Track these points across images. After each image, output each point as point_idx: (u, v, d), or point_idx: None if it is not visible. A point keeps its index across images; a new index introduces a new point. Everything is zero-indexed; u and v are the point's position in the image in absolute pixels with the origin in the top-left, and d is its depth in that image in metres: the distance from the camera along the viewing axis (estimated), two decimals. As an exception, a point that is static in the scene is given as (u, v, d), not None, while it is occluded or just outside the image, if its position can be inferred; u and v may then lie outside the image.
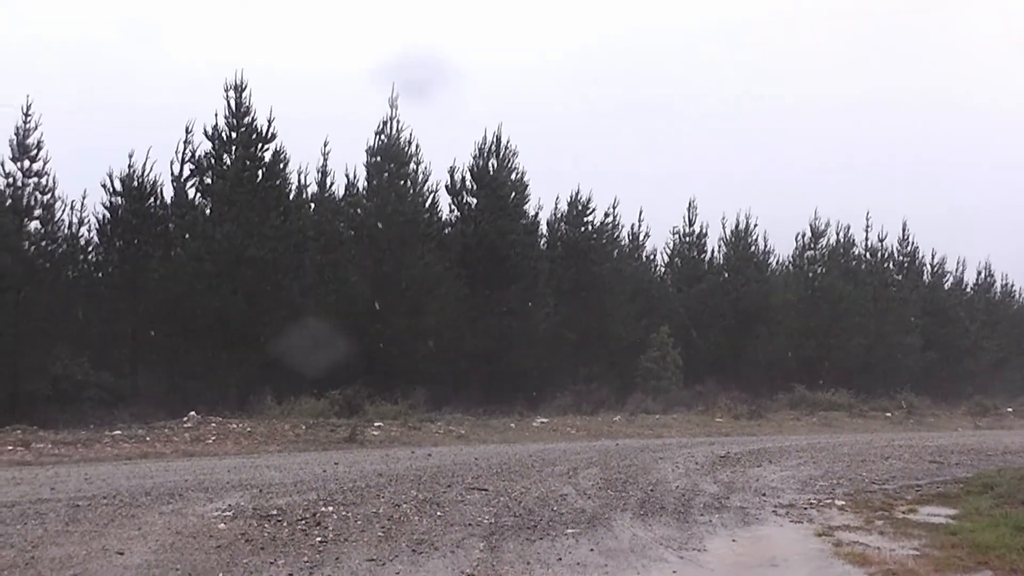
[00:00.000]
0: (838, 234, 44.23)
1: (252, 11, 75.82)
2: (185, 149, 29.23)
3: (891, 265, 46.18)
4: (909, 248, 46.67)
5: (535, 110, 70.46)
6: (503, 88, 71.87)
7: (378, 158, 31.99)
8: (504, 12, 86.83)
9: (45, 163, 26.83)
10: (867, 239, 45.29)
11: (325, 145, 32.39)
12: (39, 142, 26.69)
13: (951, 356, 43.99)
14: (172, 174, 29.15)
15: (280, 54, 71.52)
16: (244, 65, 57.82)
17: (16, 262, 25.77)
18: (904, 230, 46.49)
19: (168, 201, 29.35)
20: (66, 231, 28.11)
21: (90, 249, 29.19)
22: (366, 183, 32.34)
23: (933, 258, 48.17)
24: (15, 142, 26.48)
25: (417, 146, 32.46)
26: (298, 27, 75.83)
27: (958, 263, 49.42)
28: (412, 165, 32.43)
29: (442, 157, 32.59)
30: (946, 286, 49.01)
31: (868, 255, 45.43)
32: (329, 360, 26.35)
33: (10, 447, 17.47)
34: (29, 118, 26.63)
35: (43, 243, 27.47)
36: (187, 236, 28.76)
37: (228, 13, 74.91)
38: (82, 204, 28.49)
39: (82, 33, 62.76)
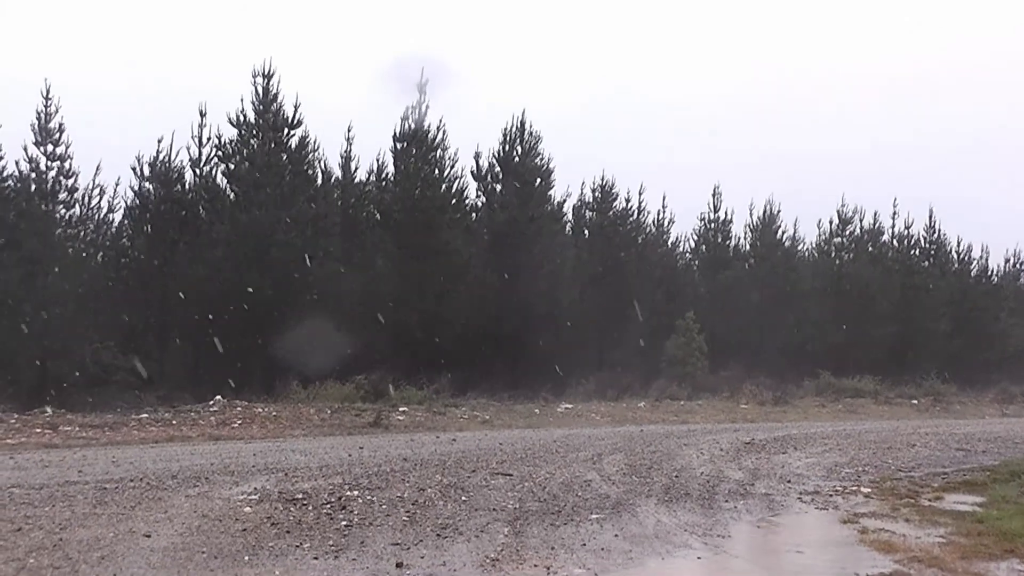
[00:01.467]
0: (862, 221, 44.05)
1: (256, 7, 75.88)
2: (202, 133, 29.40)
3: (918, 252, 45.89)
4: (936, 235, 46.36)
5: (549, 103, 70.48)
6: (515, 82, 71.93)
7: (404, 144, 32.05)
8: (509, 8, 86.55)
9: (67, 147, 26.90)
10: (894, 226, 45.09)
11: (349, 131, 32.49)
12: (60, 125, 26.75)
13: (978, 344, 43.68)
14: (191, 158, 29.32)
15: (281, 50, 71.51)
16: (245, 60, 58.33)
17: (45, 246, 25.92)
18: (931, 217, 46.20)
19: (193, 185, 29.50)
20: (94, 215, 28.19)
21: (120, 234, 29.34)
22: (392, 169, 32.42)
23: (959, 245, 47.90)
24: (37, 126, 26.54)
25: (444, 132, 32.59)
26: (301, 23, 75.74)
27: (983, 251, 49.11)
28: (439, 151, 32.51)
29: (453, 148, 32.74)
30: (972, 273, 48.67)
31: (895, 242, 45.19)
32: (354, 345, 26.43)
33: (38, 430, 17.59)
34: (49, 102, 26.68)
35: (72, 227, 27.58)
36: (214, 221, 28.85)
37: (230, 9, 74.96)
38: (116, 190, 28.73)
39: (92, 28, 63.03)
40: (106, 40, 66.23)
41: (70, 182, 27.02)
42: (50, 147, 26.64)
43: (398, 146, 32.17)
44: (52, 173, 26.69)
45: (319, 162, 31.17)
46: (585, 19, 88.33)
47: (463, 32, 77.23)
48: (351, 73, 72.68)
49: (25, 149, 26.37)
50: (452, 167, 33.05)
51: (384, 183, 32.60)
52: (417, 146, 32.01)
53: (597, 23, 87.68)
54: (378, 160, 32.70)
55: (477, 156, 34.49)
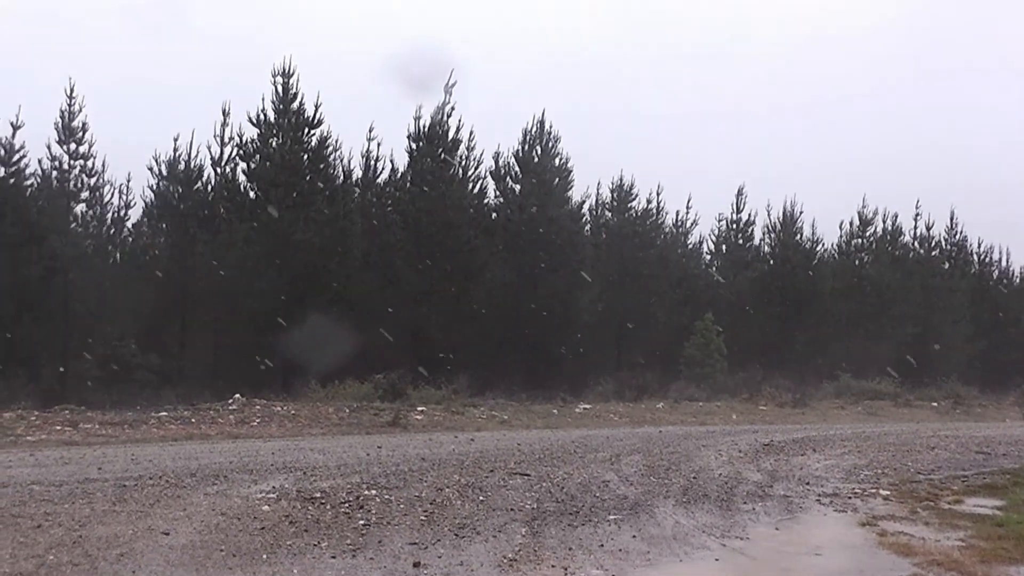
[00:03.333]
0: (885, 222, 43.92)
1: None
2: (223, 132, 29.47)
3: (939, 254, 45.73)
4: (957, 237, 46.25)
5: (562, 101, 70.31)
6: (527, 79, 71.72)
7: (421, 143, 32.08)
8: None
9: (90, 146, 27.10)
10: (915, 228, 44.95)
11: (371, 131, 32.58)
12: (84, 124, 26.96)
13: (1000, 346, 43.46)
14: (212, 157, 29.40)
15: (284, 42, 71.33)
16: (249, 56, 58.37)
17: (65, 244, 26.06)
18: (952, 219, 46.11)
19: (213, 184, 29.58)
20: (114, 214, 28.43)
21: (139, 231, 29.49)
22: (406, 167, 32.50)
23: (980, 247, 47.70)
24: (60, 125, 26.73)
25: (471, 132, 32.65)
26: (301, 15, 75.52)
27: (1002, 252, 48.92)
28: (461, 150, 32.58)
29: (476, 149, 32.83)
30: (994, 275, 48.45)
31: (916, 244, 45.04)
32: (373, 344, 26.46)
33: (58, 427, 17.68)
34: (73, 101, 26.87)
35: (92, 225, 27.75)
36: (234, 220, 28.94)
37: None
38: (128, 187, 28.96)
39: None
40: (109, 37, 66.35)
41: (92, 180, 27.26)
42: (73, 146, 26.84)
43: (414, 145, 32.21)
44: (75, 172, 26.90)
45: (345, 159, 31.42)
46: (599, 17, 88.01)
47: (471, 26, 76.98)
48: (350, 67, 72.31)
49: (48, 148, 26.58)
50: (477, 168, 33.19)
51: (401, 182, 32.65)
52: (439, 146, 32.05)
53: (611, 22, 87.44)
54: (391, 160, 32.91)
55: (496, 156, 34.53)
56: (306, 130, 29.73)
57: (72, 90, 26.84)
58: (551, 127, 34.56)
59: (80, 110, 26.96)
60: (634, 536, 8.77)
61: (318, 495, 10.23)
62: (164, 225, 29.36)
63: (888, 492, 12.06)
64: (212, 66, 61.35)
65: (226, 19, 70.24)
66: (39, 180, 26.85)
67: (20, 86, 49.40)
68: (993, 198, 64.47)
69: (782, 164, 68.34)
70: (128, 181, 29.20)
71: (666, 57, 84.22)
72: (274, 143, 29.41)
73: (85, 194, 27.27)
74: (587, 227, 37.42)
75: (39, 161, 26.73)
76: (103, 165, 27.80)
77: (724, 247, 41.99)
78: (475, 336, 30.53)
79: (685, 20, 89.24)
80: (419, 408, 23.55)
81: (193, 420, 19.71)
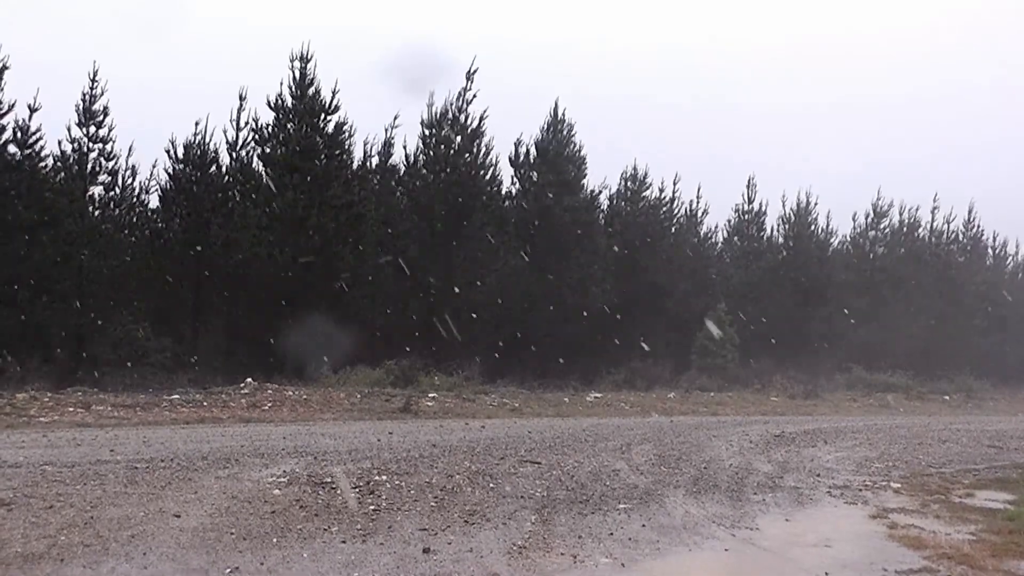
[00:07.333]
0: (901, 214, 43.75)
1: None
2: (239, 116, 29.45)
3: (955, 247, 45.50)
4: (974, 231, 45.97)
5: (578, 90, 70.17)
6: (537, 69, 71.60)
7: (434, 129, 32.06)
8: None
9: (110, 129, 27.10)
10: (932, 220, 44.74)
11: (395, 119, 32.64)
12: (105, 108, 26.95)
13: (1013, 340, 43.28)
14: (228, 141, 29.40)
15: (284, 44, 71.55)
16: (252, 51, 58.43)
17: (81, 226, 26.11)
18: (970, 212, 45.80)
19: (228, 168, 29.57)
20: (131, 197, 28.41)
21: (154, 216, 29.50)
22: (424, 156, 32.45)
23: (995, 240, 47.47)
24: (81, 107, 26.74)
25: (480, 117, 32.62)
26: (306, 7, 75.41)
27: (1018, 246, 48.74)
28: (479, 139, 32.53)
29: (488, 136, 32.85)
30: (1008, 269, 48.24)
31: (932, 237, 44.81)
32: (385, 330, 26.43)
33: (71, 409, 17.74)
34: (95, 84, 26.87)
35: (109, 208, 27.78)
36: (249, 204, 28.92)
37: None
38: (151, 172, 29.00)
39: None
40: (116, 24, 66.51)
41: (111, 164, 27.30)
42: (92, 128, 26.87)
43: (427, 132, 32.19)
44: (94, 154, 26.95)
45: (360, 146, 31.44)
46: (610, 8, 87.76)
47: (481, 22, 76.82)
48: (352, 62, 72.18)
49: (69, 130, 26.61)
50: (487, 155, 33.14)
51: (416, 168, 32.63)
52: (458, 133, 32.00)
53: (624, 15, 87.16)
54: (404, 147, 32.92)
55: (517, 143, 34.48)
56: (323, 115, 29.67)
57: (95, 73, 26.86)
58: (563, 114, 34.59)
59: (102, 93, 26.99)
60: (644, 525, 8.77)
61: (329, 480, 10.25)
62: (179, 208, 29.35)
63: (899, 485, 12.05)
64: (224, 54, 61.41)
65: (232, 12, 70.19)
66: (57, 162, 26.84)
67: (43, 69, 49.49)
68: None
69: (794, 157, 68.22)
70: (154, 167, 29.32)
71: (674, 49, 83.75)
72: (290, 128, 29.37)
73: (104, 177, 27.31)
74: (600, 216, 37.35)
75: (59, 143, 26.78)
76: (116, 149, 27.89)
77: (737, 237, 41.87)
78: (487, 324, 30.52)
79: (695, 14, 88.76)
80: (430, 395, 23.58)
81: (205, 403, 19.77)
